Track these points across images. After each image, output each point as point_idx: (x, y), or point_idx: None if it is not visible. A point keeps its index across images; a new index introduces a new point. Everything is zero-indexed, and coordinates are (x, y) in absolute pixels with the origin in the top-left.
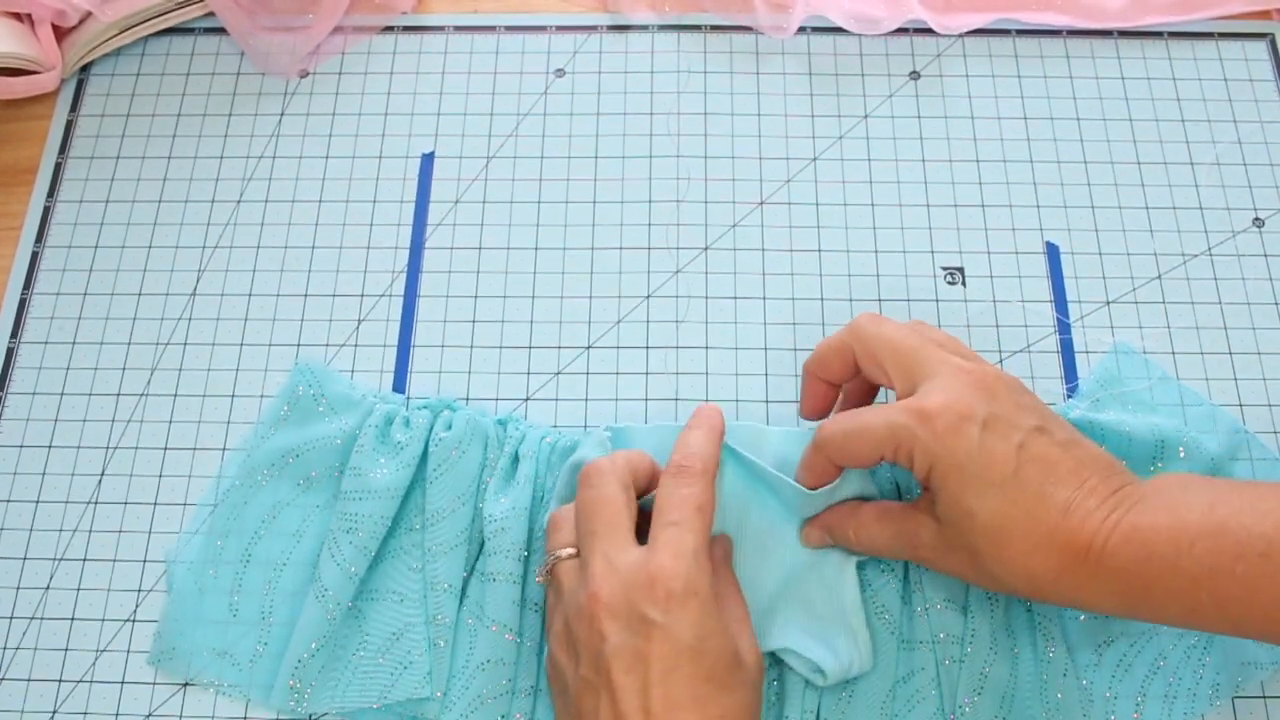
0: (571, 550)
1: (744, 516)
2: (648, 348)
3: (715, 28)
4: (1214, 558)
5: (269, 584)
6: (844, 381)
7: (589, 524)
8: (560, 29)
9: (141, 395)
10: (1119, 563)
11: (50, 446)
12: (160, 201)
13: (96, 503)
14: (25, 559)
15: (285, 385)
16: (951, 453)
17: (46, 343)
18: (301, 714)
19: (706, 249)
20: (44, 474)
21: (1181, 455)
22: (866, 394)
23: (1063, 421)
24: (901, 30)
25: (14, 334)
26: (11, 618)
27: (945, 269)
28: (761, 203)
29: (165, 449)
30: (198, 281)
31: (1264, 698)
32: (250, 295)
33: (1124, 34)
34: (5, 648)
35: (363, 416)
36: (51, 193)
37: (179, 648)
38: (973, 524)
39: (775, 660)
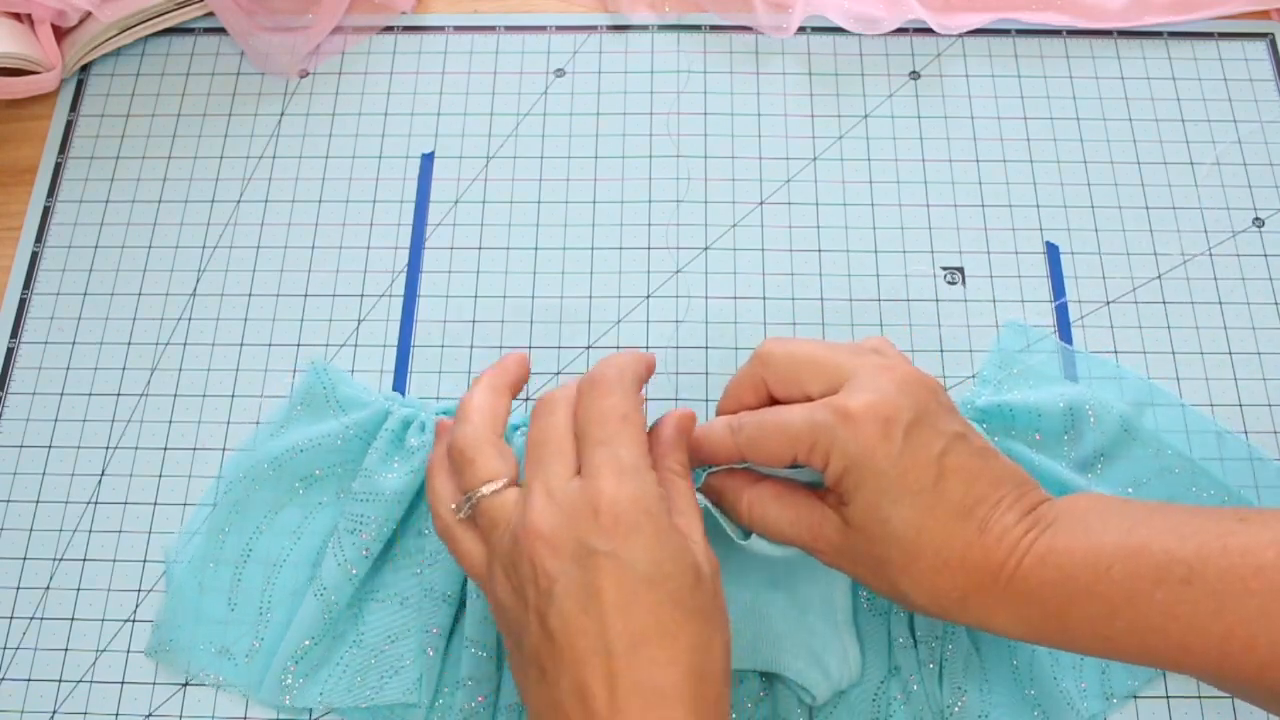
0: (495, 485)
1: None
2: (648, 348)
3: (715, 28)
4: (1132, 581)
5: (268, 581)
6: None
7: (533, 454)
8: (560, 29)
9: (141, 395)
10: (1032, 586)
11: (50, 446)
12: (160, 201)
13: (96, 503)
14: (25, 559)
15: (300, 385)
16: (871, 456)
17: (46, 343)
18: (289, 707)
19: (706, 249)
20: (44, 474)
21: (1092, 422)
22: None
23: (975, 429)
24: (901, 30)
25: (14, 334)
26: (11, 618)
27: (945, 269)
28: (761, 203)
29: (165, 449)
30: (198, 281)
31: None
32: (250, 295)
33: (1124, 34)
34: (5, 648)
35: (370, 417)
36: (51, 193)
37: (177, 640)
38: (885, 531)
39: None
